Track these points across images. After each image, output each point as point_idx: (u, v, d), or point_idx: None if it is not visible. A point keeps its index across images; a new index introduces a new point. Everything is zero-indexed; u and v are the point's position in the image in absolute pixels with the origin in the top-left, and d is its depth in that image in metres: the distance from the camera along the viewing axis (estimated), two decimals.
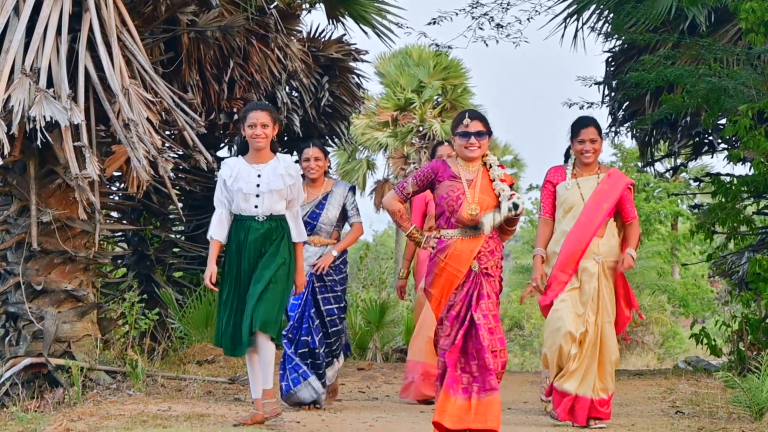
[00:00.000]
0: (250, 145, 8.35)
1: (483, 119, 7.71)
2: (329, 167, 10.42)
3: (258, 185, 8.23)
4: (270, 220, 8.26)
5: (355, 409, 10.09)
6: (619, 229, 8.80)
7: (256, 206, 8.24)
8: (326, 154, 10.03)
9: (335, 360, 9.84)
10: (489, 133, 7.68)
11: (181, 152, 13.17)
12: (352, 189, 10.03)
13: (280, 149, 14.05)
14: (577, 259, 8.61)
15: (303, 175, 9.97)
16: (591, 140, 8.73)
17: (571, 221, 8.67)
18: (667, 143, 17.56)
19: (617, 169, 9.13)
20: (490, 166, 7.66)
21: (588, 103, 16.52)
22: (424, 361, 10.42)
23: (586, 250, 8.60)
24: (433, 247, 7.61)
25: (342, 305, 9.83)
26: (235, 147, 8.82)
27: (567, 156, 10.03)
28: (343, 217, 9.89)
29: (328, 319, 9.68)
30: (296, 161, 9.83)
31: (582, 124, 8.85)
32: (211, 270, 8.23)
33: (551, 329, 8.62)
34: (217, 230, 8.30)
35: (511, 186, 7.66)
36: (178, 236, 15.23)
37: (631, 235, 8.77)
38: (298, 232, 8.39)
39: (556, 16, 16.42)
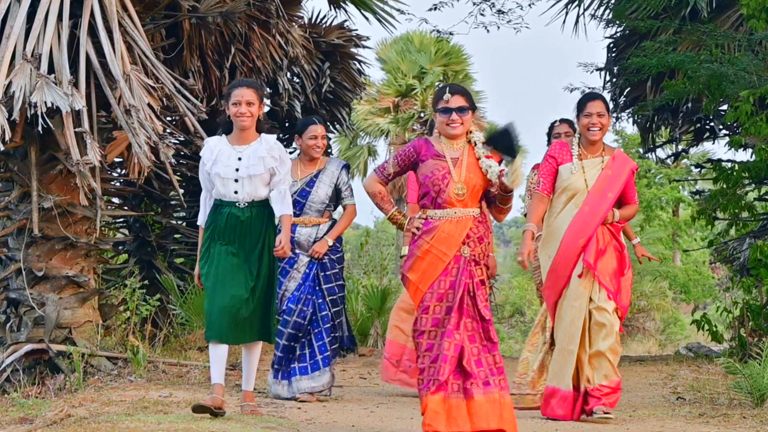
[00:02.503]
0: (234, 124, 7.89)
1: (465, 93, 7.20)
2: (330, 152, 10.30)
3: (237, 169, 7.80)
4: (251, 206, 7.85)
5: (356, 395, 10.09)
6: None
7: (235, 191, 7.83)
8: (328, 130, 9.89)
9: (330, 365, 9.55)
10: (472, 107, 7.19)
11: (182, 138, 13.18)
12: (346, 167, 9.76)
13: (281, 134, 14.07)
14: (579, 252, 8.30)
15: (298, 153, 9.86)
16: (598, 113, 8.35)
17: (574, 209, 8.36)
18: (668, 129, 17.55)
19: (622, 150, 8.83)
20: (475, 144, 7.19)
21: (590, 88, 16.54)
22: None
23: (589, 242, 8.28)
24: (418, 228, 7.12)
25: (341, 283, 9.66)
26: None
27: (549, 135, 9.93)
28: (336, 197, 9.65)
29: (330, 298, 9.61)
30: (291, 147, 9.75)
31: (589, 97, 8.46)
32: (200, 270, 7.92)
33: (561, 347, 8.43)
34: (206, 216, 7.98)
35: (499, 162, 7.13)
36: (179, 222, 15.22)
37: (626, 209, 8.48)
38: (284, 206, 7.90)
39: (558, 2, 16.45)
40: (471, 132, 7.25)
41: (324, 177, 9.60)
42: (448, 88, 7.22)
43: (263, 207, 7.92)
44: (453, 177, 7.10)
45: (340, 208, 9.94)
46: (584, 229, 8.32)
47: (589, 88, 16.43)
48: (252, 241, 7.85)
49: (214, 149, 7.92)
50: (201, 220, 8.04)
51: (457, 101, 7.15)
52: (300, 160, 9.64)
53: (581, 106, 8.49)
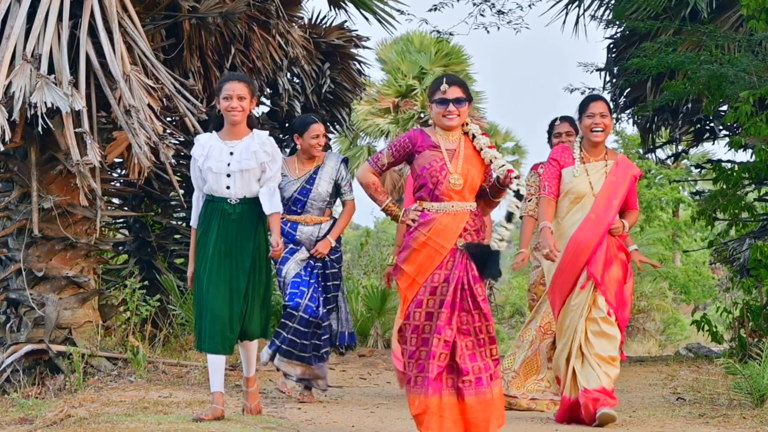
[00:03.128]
0: (225, 119, 7.80)
1: (462, 85, 7.10)
2: (330, 149, 10.27)
3: (229, 164, 7.71)
4: (244, 203, 7.74)
5: (356, 395, 10.09)
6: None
7: (228, 187, 7.72)
8: (327, 129, 9.88)
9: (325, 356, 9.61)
10: (469, 99, 7.09)
11: (182, 138, 13.17)
12: (345, 161, 9.73)
13: (280, 135, 14.05)
14: (585, 261, 8.23)
15: (294, 150, 9.83)
16: (601, 114, 8.29)
17: (579, 213, 8.29)
18: (668, 130, 17.55)
19: (625, 156, 8.76)
20: (473, 137, 7.09)
21: (590, 88, 16.55)
22: None
23: (597, 252, 8.22)
24: (413, 220, 6.96)
25: (337, 283, 9.64)
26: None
27: (550, 134, 9.89)
28: (336, 192, 9.62)
29: (326, 296, 9.59)
30: (292, 144, 9.72)
31: (592, 98, 8.36)
32: (193, 271, 7.83)
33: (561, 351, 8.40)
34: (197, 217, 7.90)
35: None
36: (179, 223, 15.21)
37: (627, 217, 8.41)
38: (272, 204, 7.77)
39: (558, 2, 16.45)
40: (467, 124, 7.18)
41: (323, 173, 9.57)
42: (445, 79, 7.12)
43: (254, 204, 7.81)
44: (449, 168, 6.99)
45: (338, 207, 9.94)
46: (591, 237, 8.24)
47: (589, 89, 16.45)
48: (244, 238, 7.76)
49: (206, 145, 7.85)
50: (193, 221, 7.96)
51: (455, 92, 7.06)
52: (297, 158, 9.62)
53: (583, 106, 8.42)
